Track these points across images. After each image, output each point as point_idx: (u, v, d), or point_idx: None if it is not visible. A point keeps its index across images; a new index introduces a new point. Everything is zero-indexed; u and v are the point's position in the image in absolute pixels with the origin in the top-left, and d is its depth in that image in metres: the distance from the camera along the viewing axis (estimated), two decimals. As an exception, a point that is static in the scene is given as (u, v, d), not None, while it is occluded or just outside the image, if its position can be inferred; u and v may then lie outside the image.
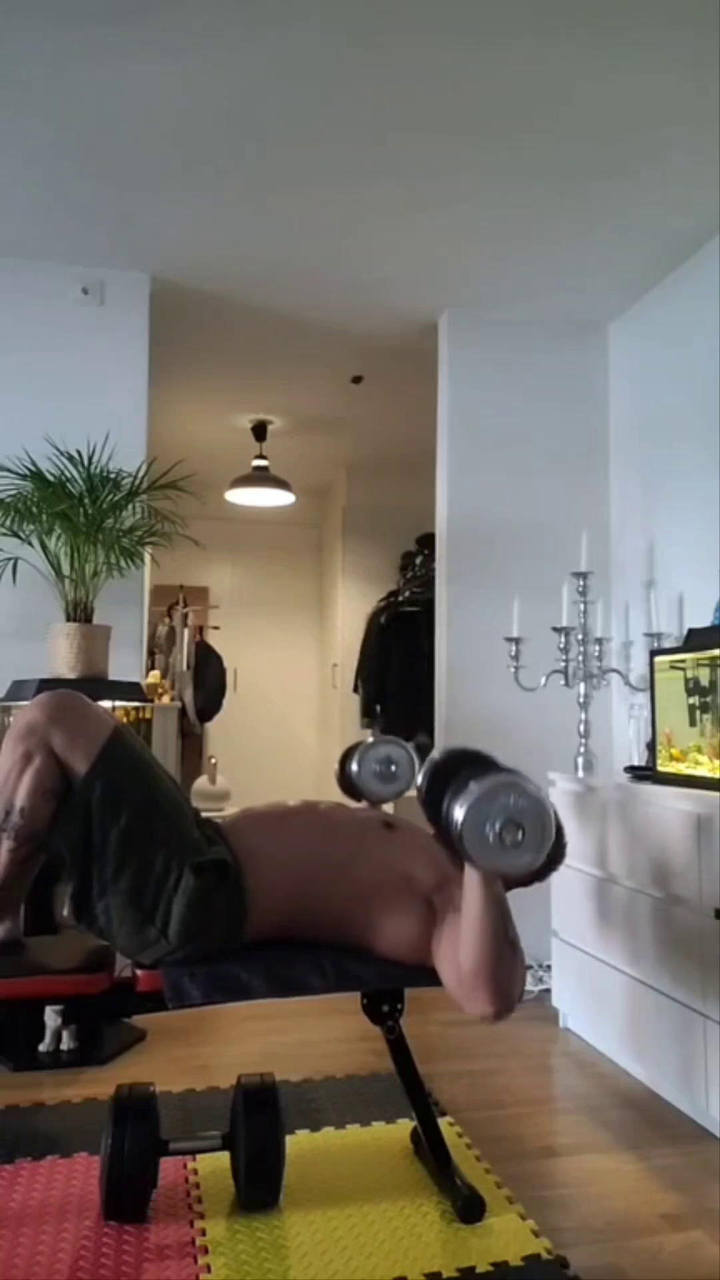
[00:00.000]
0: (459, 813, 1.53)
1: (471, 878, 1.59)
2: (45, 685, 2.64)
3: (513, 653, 3.14)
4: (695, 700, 2.45)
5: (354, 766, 2.30)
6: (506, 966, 1.60)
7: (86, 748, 1.67)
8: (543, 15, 2.13)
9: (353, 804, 2.30)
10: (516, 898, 1.91)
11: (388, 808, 2.38)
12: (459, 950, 1.63)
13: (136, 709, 3.44)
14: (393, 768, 2.30)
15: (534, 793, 1.55)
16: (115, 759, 1.69)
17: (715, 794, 2.22)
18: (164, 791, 1.76)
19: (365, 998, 1.87)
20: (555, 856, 1.94)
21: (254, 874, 1.72)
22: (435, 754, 1.76)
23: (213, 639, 6.06)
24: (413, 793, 2.25)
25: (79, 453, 3.04)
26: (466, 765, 1.65)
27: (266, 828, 1.84)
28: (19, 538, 2.97)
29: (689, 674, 2.47)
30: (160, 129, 2.56)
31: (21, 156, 2.69)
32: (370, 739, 2.39)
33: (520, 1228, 1.76)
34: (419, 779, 1.73)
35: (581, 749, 3.11)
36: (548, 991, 3.04)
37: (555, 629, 3.11)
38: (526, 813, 1.53)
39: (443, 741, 3.47)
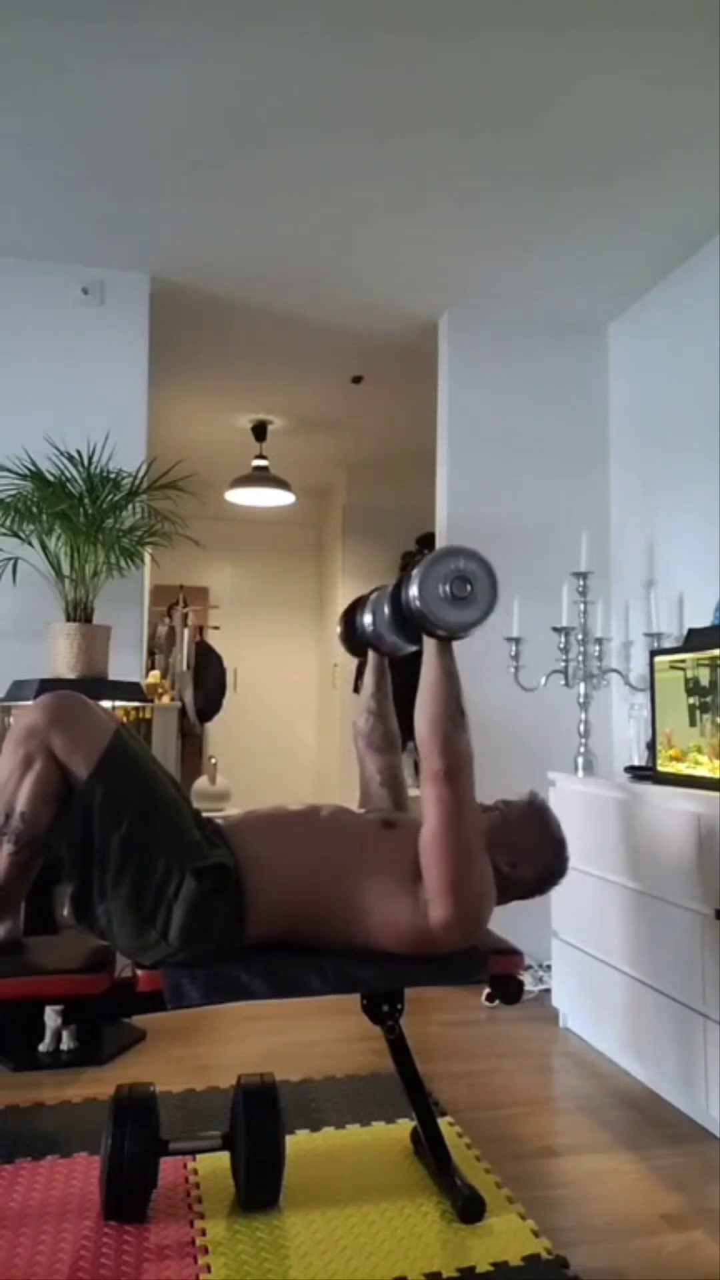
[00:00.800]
0: (413, 587, 1.71)
1: (429, 649, 1.75)
2: (45, 685, 2.65)
3: (513, 653, 3.14)
4: (695, 700, 2.45)
5: (367, 619, 2.11)
6: (456, 728, 1.71)
7: (87, 752, 1.66)
8: (543, 17, 2.13)
9: (373, 667, 2.27)
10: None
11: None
12: (416, 722, 1.73)
13: (136, 709, 3.45)
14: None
15: (476, 553, 1.74)
16: (116, 763, 1.68)
17: (715, 794, 2.22)
18: (165, 795, 1.75)
19: (365, 998, 1.87)
20: (557, 870, 1.94)
21: (255, 877, 1.72)
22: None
23: (213, 639, 6.06)
24: (410, 791, 2.21)
25: (79, 453, 3.04)
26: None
27: (268, 831, 1.83)
28: (19, 538, 2.97)
29: (689, 674, 2.47)
30: (161, 129, 2.56)
31: (22, 157, 2.70)
32: (376, 590, 2.17)
33: (520, 1228, 1.76)
34: (385, 611, 1.89)
35: (581, 749, 3.11)
36: (548, 991, 3.04)
37: (555, 629, 3.11)
38: (473, 570, 1.72)
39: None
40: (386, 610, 2.05)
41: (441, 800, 1.70)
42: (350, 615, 2.24)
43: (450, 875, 1.69)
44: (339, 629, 2.30)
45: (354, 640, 2.25)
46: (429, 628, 1.74)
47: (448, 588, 1.70)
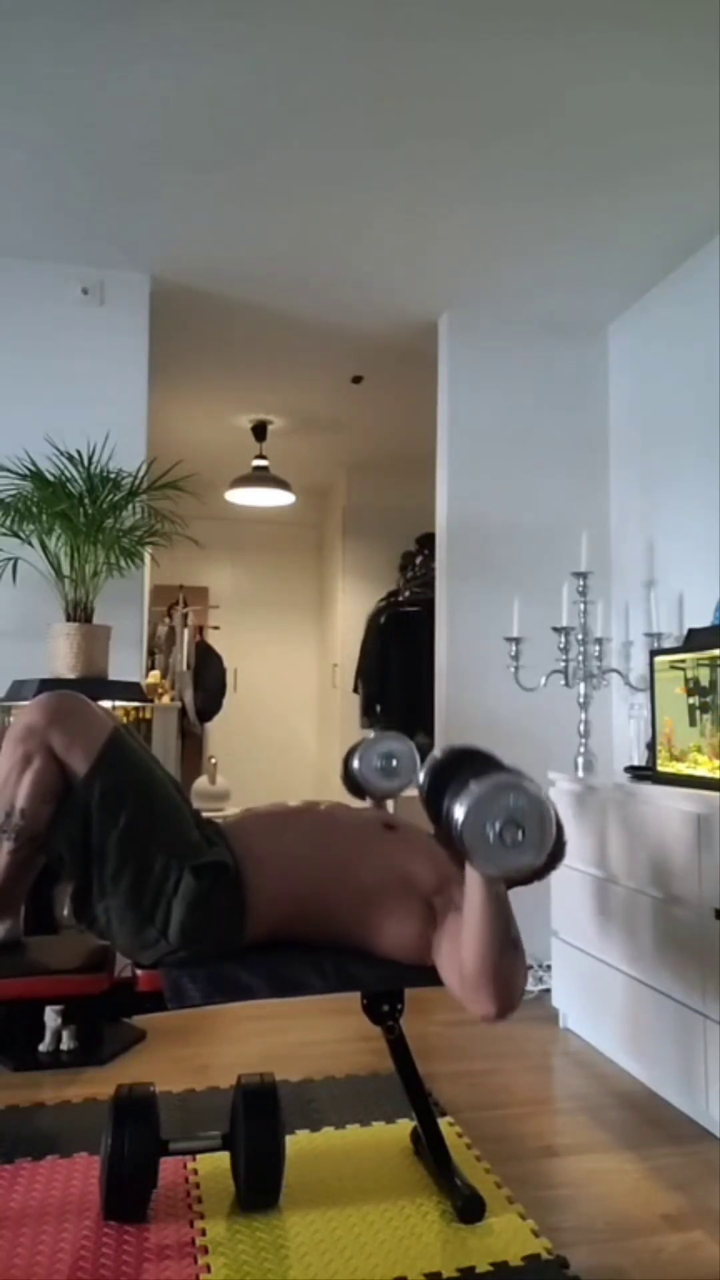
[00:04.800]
0: (459, 812, 1.52)
1: (473, 878, 1.58)
2: (45, 685, 2.64)
3: (513, 653, 3.14)
4: (695, 700, 2.45)
5: (356, 763, 2.30)
6: (509, 965, 1.59)
7: (86, 750, 1.66)
8: (543, 19, 2.13)
9: (355, 804, 2.30)
10: (516, 896, 1.91)
11: (389, 805, 2.38)
12: (461, 950, 1.62)
13: (136, 709, 3.44)
14: (394, 763, 2.30)
15: (534, 792, 1.55)
16: (114, 761, 1.68)
17: (715, 794, 2.22)
18: (163, 793, 1.75)
19: (365, 998, 1.87)
20: (555, 855, 1.93)
21: (254, 876, 1.72)
22: (437, 752, 1.76)
23: (213, 639, 6.06)
24: (414, 791, 2.23)
25: (79, 453, 3.03)
26: (467, 764, 1.64)
27: (267, 829, 1.83)
28: (19, 538, 2.97)
29: (689, 674, 2.47)
30: (161, 130, 2.56)
31: (22, 157, 2.69)
32: (372, 735, 2.39)
33: (520, 1228, 1.76)
34: (420, 775, 1.72)
35: (581, 749, 3.11)
36: (548, 991, 3.04)
37: (555, 629, 3.11)
38: (527, 812, 1.53)
39: (442, 741, 3.47)
40: (377, 760, 2.24)
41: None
42: (348, 760, 2.34)
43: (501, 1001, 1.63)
44: (341, 770, 2.37)
45: (351, 784, 2.33)
46: (472, 864, 1.56)
47: (496, 831, 1.51)
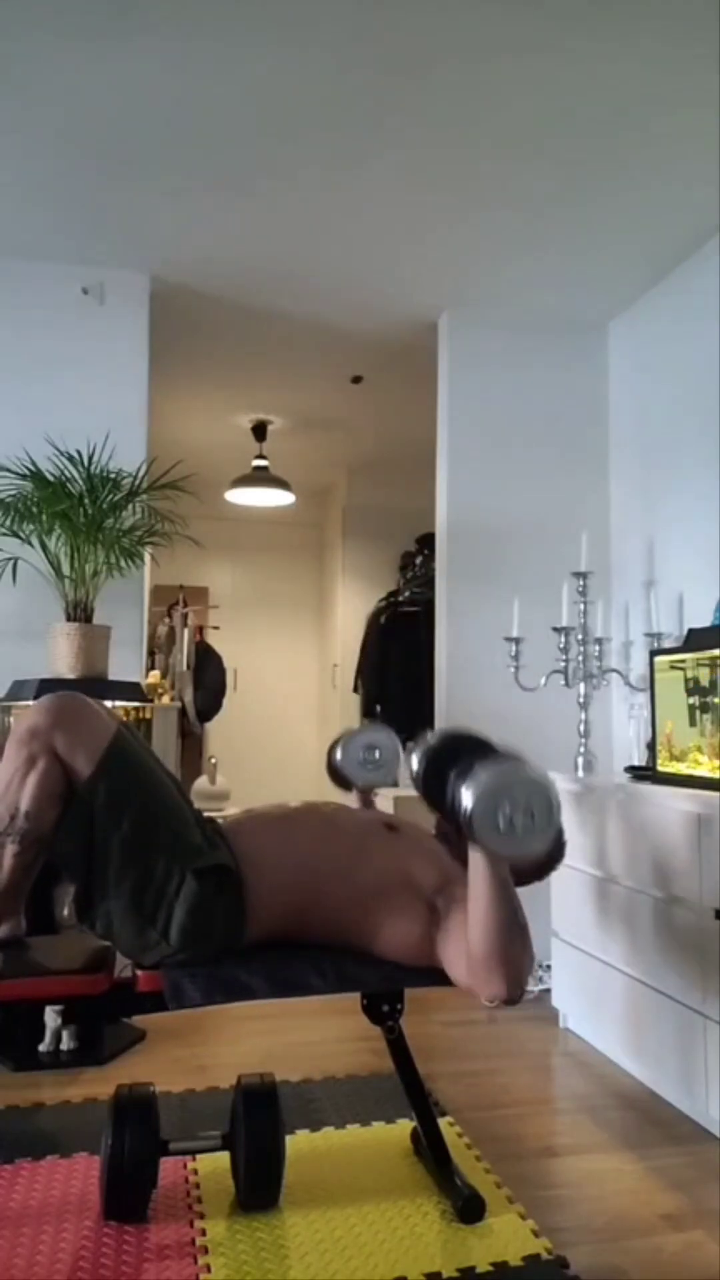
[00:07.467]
0: (468, 799, 1.53)
1: (479, 862, 1.59)
2: (45, 685, 2.65)
3: (513, 652, 3.14)
4: (695, 700, 2.45)
5: (339, 755, 2.25)
6: (517, 948, 1.61)
7: (89, 751, 1.66)
8: (545, 20, 2.13)
9: (354, 805, 2.29)
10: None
11: (388, 806, 2.37)
12: (469, 936, 1.62)
13: (136, 709, 3.44)
14: (376, 754, 2.25)
15: (541, 778, 1.57)
16: (118, 763, 1.68)
17: (715, 794, 2.22)
18: (165, 795, 1.76)
19: (365, 998, 1.87)
20: (555, 855, 1.94)
21: (255, 878, 1.72)
22: (430, 738, 1.75)
23: (213, 639, 6.05)
24: (412, 791, 2.22)
25: (79, 453, 3.03)
26: (465, 750, 1.65)
27: (268, 830, 1.83)
28: (19, 538, 2.97)
29: (689, 674, 2.47)
30: (161, 130, 2.56)
31: (22, 156, 2.69)
32: (355, 727, 2.36)
33: (520, 1228, 1.76)
34: (414, 764, 1.72)
35: (581, 749, 3.11)
36: (548, 991, 3.04)
37: (555, 629, 3.11)
38: (536, 799, 1.55)
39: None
40: (359, 752, 2.18)
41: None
42: (332, 751, 2.29)
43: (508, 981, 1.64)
44: (326, 760, 2.33)
45: (335, 775, 2.30)
46: (479, 849, 1.58)
47: (507, 817, 1.53)
